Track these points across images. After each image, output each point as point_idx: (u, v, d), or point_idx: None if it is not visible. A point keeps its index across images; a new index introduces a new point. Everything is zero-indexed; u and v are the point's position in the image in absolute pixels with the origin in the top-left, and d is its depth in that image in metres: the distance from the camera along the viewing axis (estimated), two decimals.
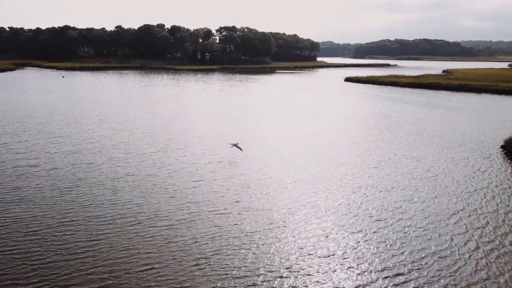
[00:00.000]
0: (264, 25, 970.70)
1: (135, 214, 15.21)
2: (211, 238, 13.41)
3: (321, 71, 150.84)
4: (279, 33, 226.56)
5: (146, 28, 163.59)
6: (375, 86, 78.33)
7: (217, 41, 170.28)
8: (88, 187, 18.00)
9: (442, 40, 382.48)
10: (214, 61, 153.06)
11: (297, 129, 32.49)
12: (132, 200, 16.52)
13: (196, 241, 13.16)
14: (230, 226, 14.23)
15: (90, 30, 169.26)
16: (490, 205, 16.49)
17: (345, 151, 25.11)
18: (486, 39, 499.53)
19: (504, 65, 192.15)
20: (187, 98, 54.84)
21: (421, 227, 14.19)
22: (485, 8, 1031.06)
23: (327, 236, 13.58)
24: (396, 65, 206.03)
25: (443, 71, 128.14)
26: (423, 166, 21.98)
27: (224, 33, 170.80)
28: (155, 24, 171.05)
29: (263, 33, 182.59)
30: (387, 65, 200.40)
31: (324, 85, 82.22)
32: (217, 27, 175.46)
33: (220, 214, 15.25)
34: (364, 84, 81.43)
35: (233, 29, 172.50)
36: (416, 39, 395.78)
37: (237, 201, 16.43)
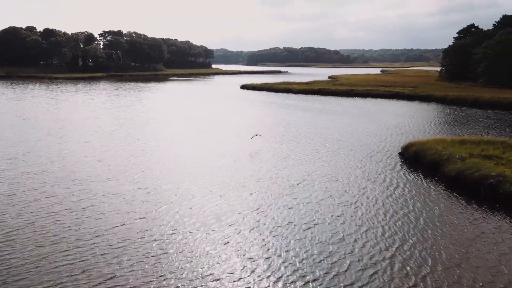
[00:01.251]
0: (153, 31, 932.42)
1: None
2: None
3: (217, 78, 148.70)
4: (171, 39, 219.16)
5: (11, 31, 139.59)
6: (271, 93, 78.30)
7: (101, 46, 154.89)
8: None
9: (324, 48, 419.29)
10: (98, 68, 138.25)
11: (196, 148, 27.99)
12: None
13: None
14: None
15: None
16: (425, 237, 14.39)
17: (254, 174, 21.54)
18: (359, 48, 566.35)
19: (377, 70, 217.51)
20: (60, 114, 45.62)
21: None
22: (357, 20, 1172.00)
23: None
24: (287, 72, 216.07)
25: (329, 77, 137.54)
26: (340, 187, 19.60)
27: (109, 37, 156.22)
28: (23, 26, 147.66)
29: (153, 39, 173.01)
30: (279, 72, 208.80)
31: (221, 93, 79.17)
32: (101, 31, 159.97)
33: None
34: (260, 91, 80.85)
35: (119, 33, 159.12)
36: (302, 47, 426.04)
37: (110, 278, 11.20)
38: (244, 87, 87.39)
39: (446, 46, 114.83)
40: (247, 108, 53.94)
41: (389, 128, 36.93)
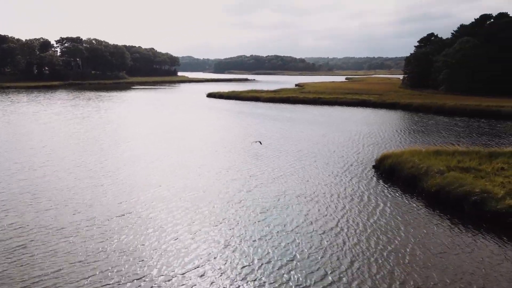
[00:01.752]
0: (116, 38, 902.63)
1: None
2: None
3: (183, 86, 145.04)
4: (135, 46, 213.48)
5: None
6: (238, 101, 76.35)
7: (59, 53, 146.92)
8: None
9: (290, 56, 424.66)
10: (55, 77, 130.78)
11: (157, 165, 25.17)
12: None
13: None
14: None
15: None
16: (420, 271, 12.57)
17: (222, 196, 19.10)
18: (324, 56, 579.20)
19: (342, 78, 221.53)
20: (2, 128, 41.09)
21: None
22: (322, 29, 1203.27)
23: None
24: (254, 79, 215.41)
25: (296, 85, 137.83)
26: (318, 209, 17.62)
27: (66, 44, 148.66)
28: None
29: (115, 46, 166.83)
30: (246, 80, 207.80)
31: (186, 101, 76.16)
32: (58, 38, 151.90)
33: None
34: (227, 100, 78.65)
35: (78, 40, 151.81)
36: (268, 55, 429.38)
37: None
38: (210, 95, 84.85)
39: (405, 55, 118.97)
40: (214, 118, 51.45)
41: (361, 138, 35.76)
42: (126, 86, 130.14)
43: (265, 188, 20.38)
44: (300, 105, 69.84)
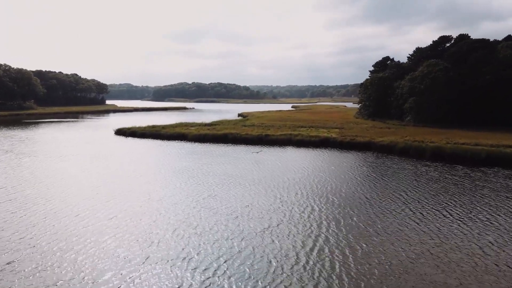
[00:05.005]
0: (26, 61, 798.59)
1: None
2: None
3: (106, 117, 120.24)
4: (52, 72, 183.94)
5: None
6: (157, 141, 55.09)
7: None
8: None
9: (234, 84, 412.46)
10: None
11: None
12: None
13: None
14: None
15: None
16: None
17: None
18: (268, 84, 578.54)
19: (288, 106, 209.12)
20: None
21: None
22: (266, 59, 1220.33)
23: None
24: (193, 108, 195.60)
25: (239, 114, 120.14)
26: None
27: None
28: None
29: (19, 70, 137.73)
30: (184, 108, 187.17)
31: (88, 142, 52.99)
32: None
33: None
34: (142, 139, 56.99)
35: None
36: (212, 83, 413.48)
37: None
38: (119, 132, 62.36)
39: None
40: (91, 198, 29.50)
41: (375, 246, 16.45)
42: (23, 119, 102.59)
43: None
44: (242, 145, 50.54)
